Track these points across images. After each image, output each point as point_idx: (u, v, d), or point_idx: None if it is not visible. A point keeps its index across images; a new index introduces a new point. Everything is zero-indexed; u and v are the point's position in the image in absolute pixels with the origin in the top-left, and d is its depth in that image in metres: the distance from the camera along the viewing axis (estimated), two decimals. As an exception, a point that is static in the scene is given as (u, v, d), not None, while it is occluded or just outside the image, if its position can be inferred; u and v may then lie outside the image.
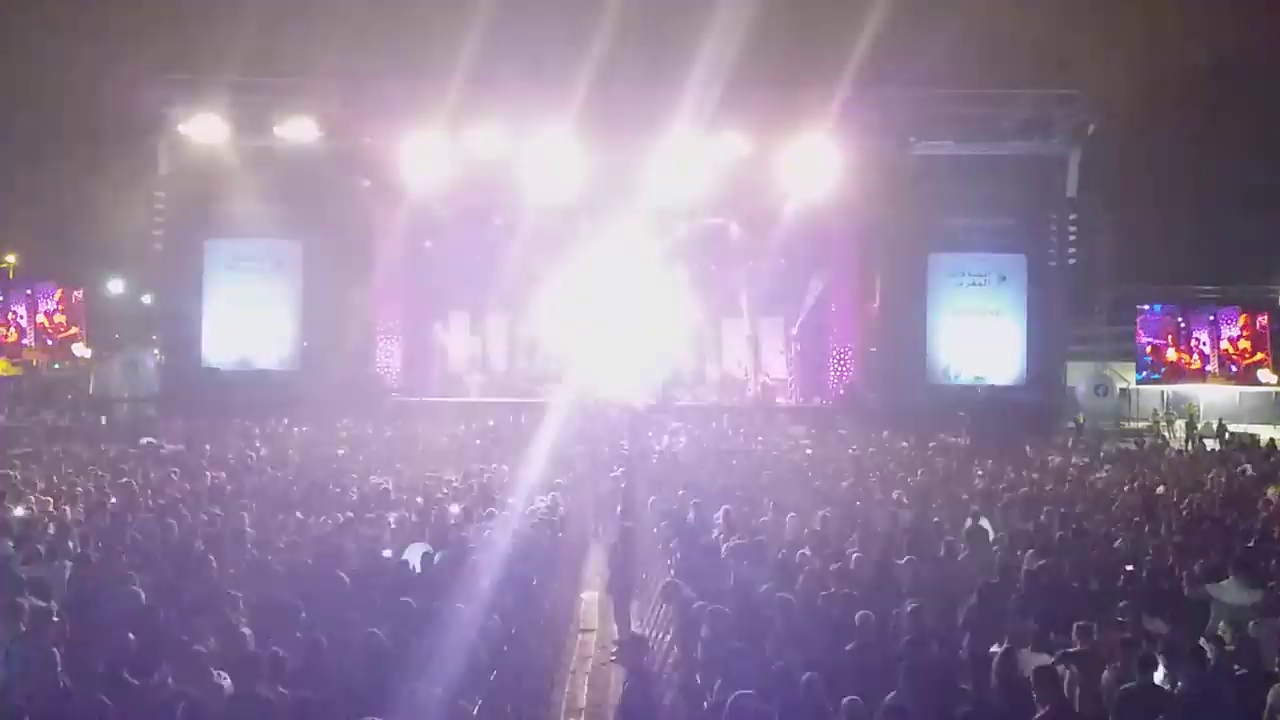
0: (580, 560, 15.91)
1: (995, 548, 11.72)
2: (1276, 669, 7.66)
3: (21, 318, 32.90)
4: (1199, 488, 16.39)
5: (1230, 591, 9.60)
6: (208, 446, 20.87)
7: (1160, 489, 16.15)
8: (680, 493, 15.34)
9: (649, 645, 8.60)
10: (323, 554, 10.62)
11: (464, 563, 10.41)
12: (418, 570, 10.35)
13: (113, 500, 13.64)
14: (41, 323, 33.05)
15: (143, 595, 9.16)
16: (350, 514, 12.99)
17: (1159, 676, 7.43)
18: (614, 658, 8.71)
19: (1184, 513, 13.74)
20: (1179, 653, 7.54)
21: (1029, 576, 9.96)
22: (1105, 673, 7.56)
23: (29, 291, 33.22)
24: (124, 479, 15.99)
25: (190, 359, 29.42)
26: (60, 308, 33.19)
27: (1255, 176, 35.44)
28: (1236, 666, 7.71)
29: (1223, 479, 17.38)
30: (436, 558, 10.58)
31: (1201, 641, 8.09)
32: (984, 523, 13.07)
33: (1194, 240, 36.26)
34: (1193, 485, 16.62)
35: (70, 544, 10.95)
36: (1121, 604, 8.95)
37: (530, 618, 10.48)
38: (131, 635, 7.91)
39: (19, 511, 12.81)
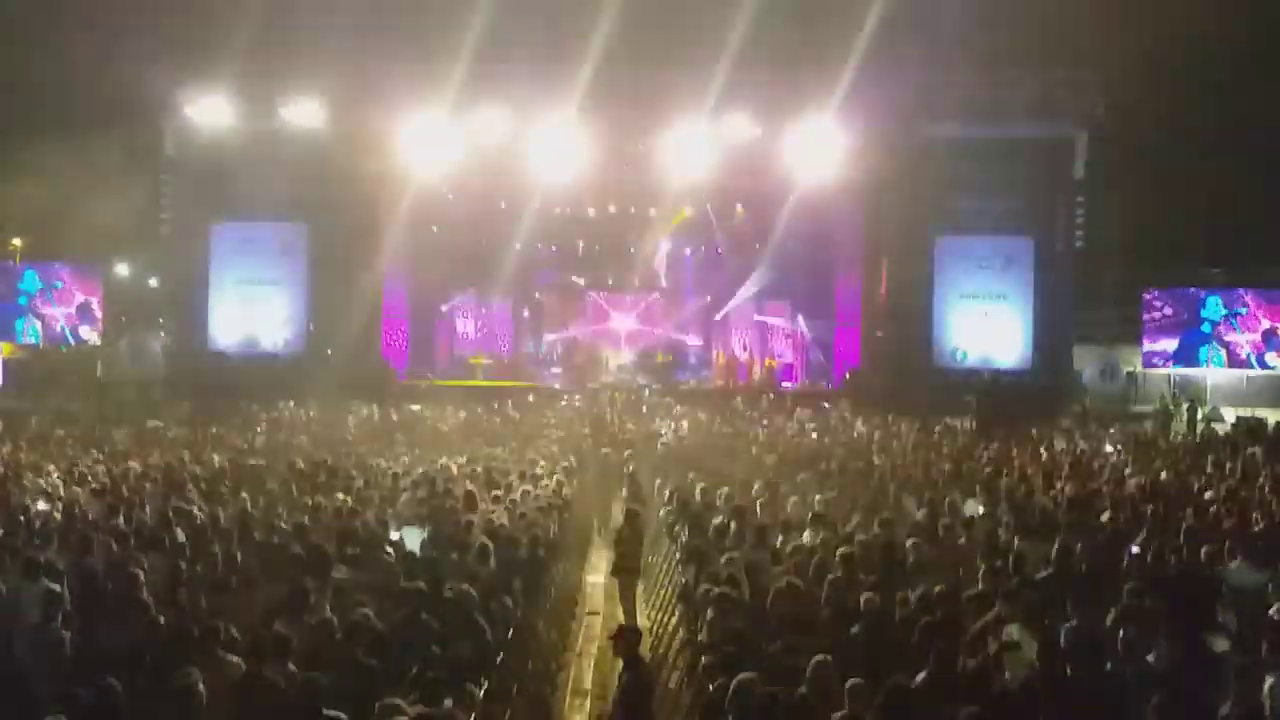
0: (586, 543, 15.95)
1: (1000, 531, 11.73)
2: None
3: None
4: (1206, 472, 16.39)
5: (1239, 574, 9.61)
6: (214, 430, 20.94)
7: (1164, 474, 16.14)
8: (686, 476, 15.39)
9: (641, 634, 8.61)
10: (331, 537, 10.66)
11: (471, 545, 10.45)
12: (422, 553, 10.40)
13: (120, 483, 13.68)
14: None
15: (152, 578, 9.22)
16: (358, 497, 13.05)
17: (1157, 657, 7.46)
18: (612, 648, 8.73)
19: (1196, 499, 13.70)
20: (1179, 635, 7.56)
21: (1034, 560, 9.97)
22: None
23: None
24: (131, 462, 16.08)
25: (197, 342, 29.49)
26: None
27: (1265, 159, 35.22)
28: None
29: (1229, 463, 17.35)
30: (443, 541, 10.63)
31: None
32: (989, 506, 13.09)
33: (1203, 223, 36.07)
34: (1199, 468, 16.60)
35: (79, 527, 11.01)
36: (1127, 587, 8.96)
37: (536, 600, 10.53)
38: (141, 618, 7.98)
39: (27, 495, 12.88)
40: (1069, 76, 27.43)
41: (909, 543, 10.85)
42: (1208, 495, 13.80)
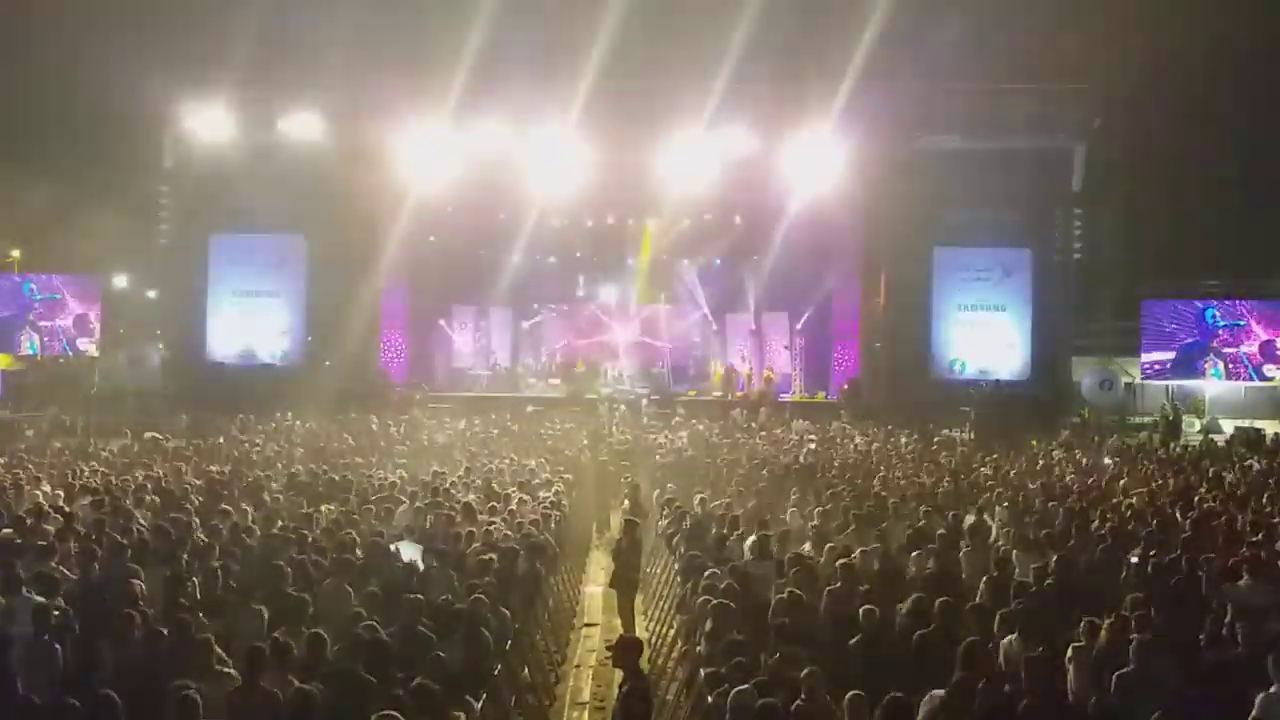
0: (584, 554, 15.93)
1: (999, 543, 11.72)
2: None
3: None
4: (1206, 479, 16.38)
5: (1247, 593, 9.56)
6: (213, 440, 20.91)
7: (1156, 484, 16.11)
8: (684, 487, 15.37)
9: (641, 645, 8.58)
10: (329, 548, 10.64)
11: (469, 557, 10.43)
12: (419, 564, 10.38)
13: (118, 494, 13.65)
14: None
15: (149, 589, 9.20)
16: (356, 508, 13.03)
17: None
18: (609, 658, 8.71)
19: (1192, 510, 13.67)
20: (1178, 644, 7.53)
21: (1033, 572, 9.95)
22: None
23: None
24: (129, 473, 16.04)
25: (195, 353, 29.47)
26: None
27: (1263, 170, 35.33)
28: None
29: (1228, 475, 17.33)
30: (441, 552, 10.61)
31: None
32: (987, 518, 13.07)
33: (1200, 234, 36.14)
34: (1198, 480, 16.58)
35: (76, 539, 10.98)
36: (1128, 599, 8.94)
37: (534, 612, 10.50)
38: (137, 630, 7.95)
39: (25, 506, 12.84)
40: (1067, 89, 27.49)
41: (908, 554, 10.85)
42: (1205, 507, 13.77)
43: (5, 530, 11.29)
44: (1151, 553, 10.73)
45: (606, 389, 32.19)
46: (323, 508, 13.17)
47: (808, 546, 11.30)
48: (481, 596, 8.76)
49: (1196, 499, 14.52)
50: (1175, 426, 26.79)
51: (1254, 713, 6.81)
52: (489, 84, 26.69)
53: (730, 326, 36.23)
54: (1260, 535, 11.75)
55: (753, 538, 11.34)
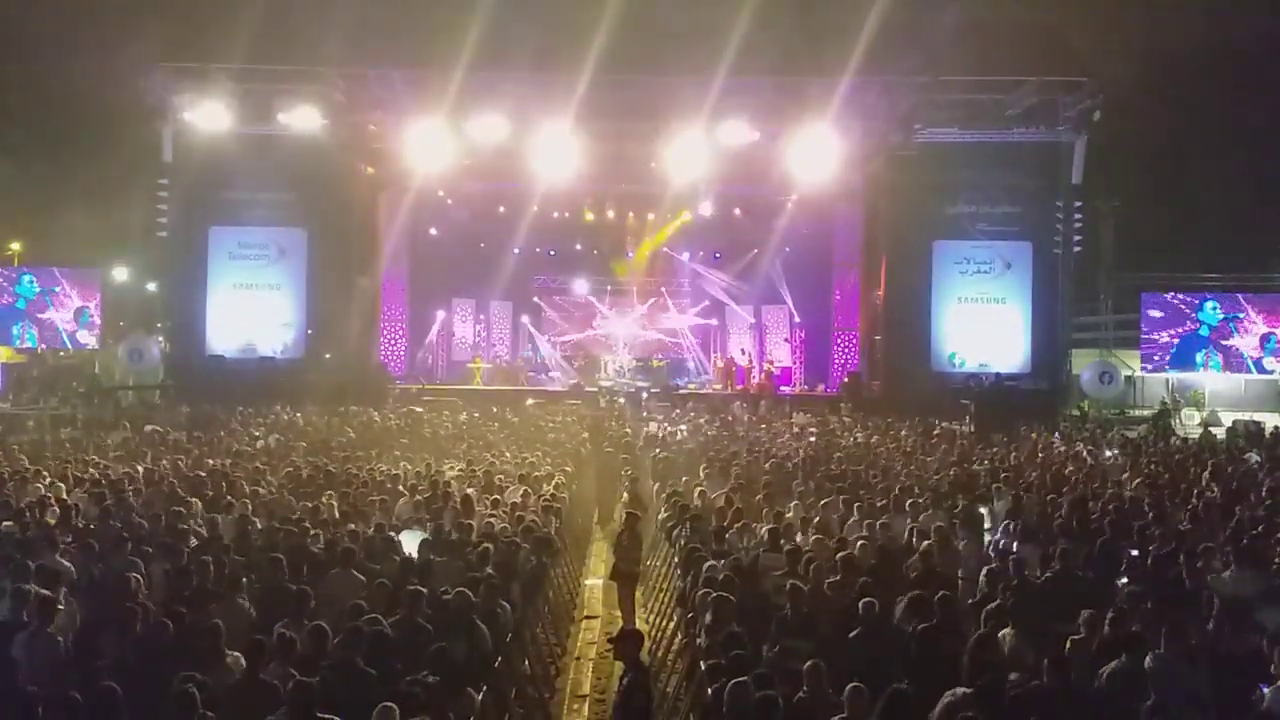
0: (584, 547, 15.96)
1: (999, 536, 11.73)
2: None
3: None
4: (1206, 473, 16.39)
5: (1233, 582, 9.60)
6: (213, 434, 20.91)
7: (1156, 477, 16.11)
8: (684, 480, 15.38)
9: (642, 638, 8.58)
10: (330, 541, 10.66)
11: (469, 549, 10.45)
12: (418, 557, 10.39)
13: (119, 487, 13.66)
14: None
15: (150, 582, 9.22)
16: (357, 501, 13.04)
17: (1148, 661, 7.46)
18: (609, 651, 8.72)
19: (1190, 502, 13.68)
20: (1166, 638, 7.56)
21: (1032, 564, 9.97)
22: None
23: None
24: (130, 466, 16.06)
25: (195, 346, 29.45)
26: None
27: (1263, 164, 35.31)
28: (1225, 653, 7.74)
29: (1228, 468, 17.34)
30: (442, 544, 10.63)
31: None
32: (986, 510, 13.09)
33: (1200, 227, 36.16)
34: (1197, 474, 16.58)
35: (77, 531, 11.00)
36: (1127, 592, 8.96)
37: (535, 604, 10.52)
38: (139, 621, 7.97)
39: (26, 499, 12.85)
40: (1067, 81, 27.39)
41: (908, 546, 10.86)
42: (1204, 499, 13.79)
43: (6, 523, 11.31)
44: (1150, 546, 10.75)
45: (606, 382, 32.24)
46: (324, 499, 13.19)
47: (808, 538, 11.29)
48: (468, 592, 8.70)
49: (1196, 492, 14.54)
50: (1167, 420, 26.83)
51: (1265, 703, 6.84)
52: (489, 76, 26.60)
53: (730, 319, 36.30)
54: (1259, 529, 11.76)
55: (752, 530, 11.36)
